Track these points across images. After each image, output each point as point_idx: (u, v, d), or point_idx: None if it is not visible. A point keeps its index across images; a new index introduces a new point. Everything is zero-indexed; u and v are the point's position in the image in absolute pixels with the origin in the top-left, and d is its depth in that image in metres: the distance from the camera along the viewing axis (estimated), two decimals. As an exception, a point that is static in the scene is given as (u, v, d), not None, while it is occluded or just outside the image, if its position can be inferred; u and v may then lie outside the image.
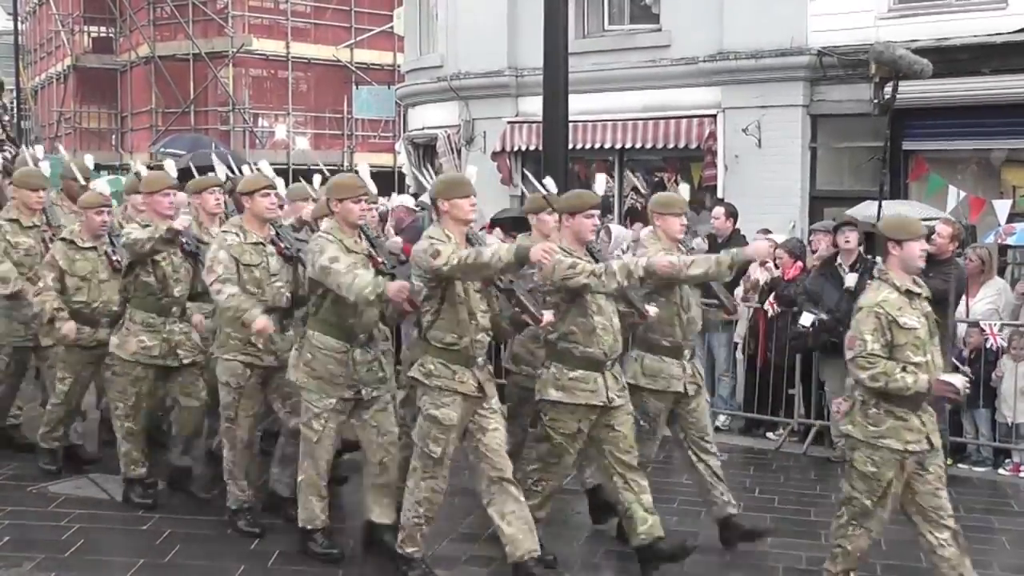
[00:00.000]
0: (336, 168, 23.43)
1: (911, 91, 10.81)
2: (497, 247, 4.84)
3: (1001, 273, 9.23)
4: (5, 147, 13.37)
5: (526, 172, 6.42)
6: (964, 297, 7.93)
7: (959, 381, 4.83)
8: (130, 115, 33.24)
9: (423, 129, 17.62)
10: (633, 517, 5.35)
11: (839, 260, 8.03)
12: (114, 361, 6.21)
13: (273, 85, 31.75)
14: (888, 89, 9.17)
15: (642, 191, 14.61)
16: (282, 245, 5.74)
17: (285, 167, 21.37)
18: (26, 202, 6.97)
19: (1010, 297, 8.31)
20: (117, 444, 6.34)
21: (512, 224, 9.12)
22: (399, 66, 25.20)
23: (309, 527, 5.47)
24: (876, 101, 11.12)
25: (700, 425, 5.89)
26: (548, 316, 5.10)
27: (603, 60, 14.16)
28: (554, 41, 8.70)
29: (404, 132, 19.84)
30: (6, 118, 15.65)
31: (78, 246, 6.49)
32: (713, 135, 13.42)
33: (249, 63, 31.25)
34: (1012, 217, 10.03)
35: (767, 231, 9.13)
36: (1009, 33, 11.15)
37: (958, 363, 7.76)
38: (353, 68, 31.22)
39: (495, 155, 15.30)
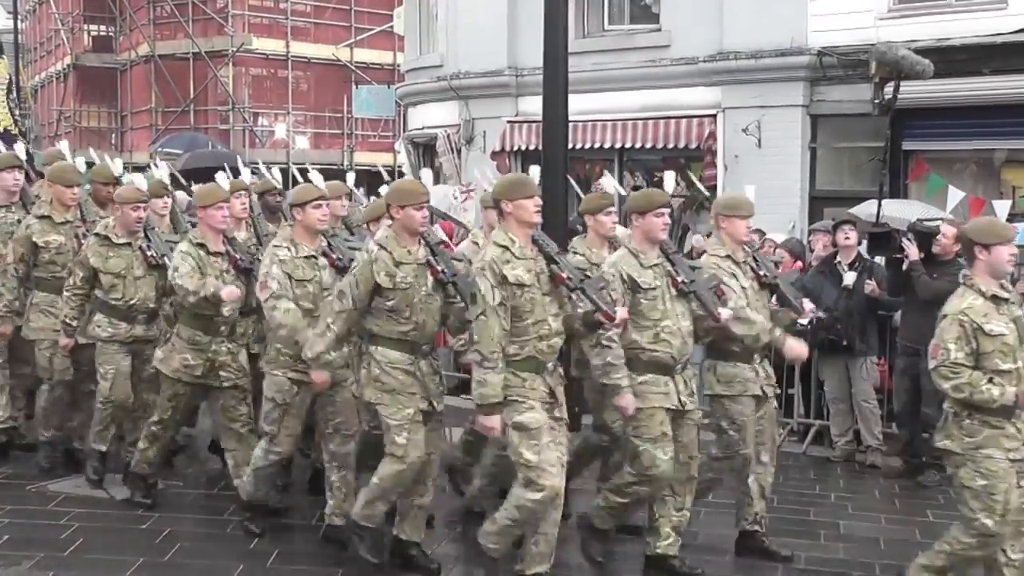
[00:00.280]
0: (336, 167, 23.46)
1: (911, 91, 10.83)
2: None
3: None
4: (18, 143, 13.35)
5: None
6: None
7: None
8: (130, 114, 33.26)
9: (423, 128, 17.62)
10: (658, 530, 5.33)
11: (838, 258, 8.04)
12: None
13: (273, 84, 31.77)
14: (889, 89, 9.18)
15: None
16: (334, 257, 5.58)
17: (285, 166, 21.34)
18: (60, 198, 6.72)
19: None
20: (139, 441, 6.23)
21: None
22: (399, 65, 25.20)
23: (363, 523, 5.23)
24: (877, 101, 11.16)
25: (766, 434, 5.72)
26: (622, 312, 4.90)
27: (603, 60, 14.16)
28: (554, 41, 8.66)
29: (404, 131, 19.84)
30: (17, 113, 15.60)
31: (112, 242, 6.32)
32: (713, 135, 13.43)
33: (249, 62, 31.27)
34: (1012, 217, 10.01)
35: (761, 232, 9.13)
36: (1009, 33, 11.15)
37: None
38: (353, 67, 31.23)
39: (495, 155, 15.30)
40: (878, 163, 10.17)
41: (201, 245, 5.87)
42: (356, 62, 31.35)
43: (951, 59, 11.23)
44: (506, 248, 4.78)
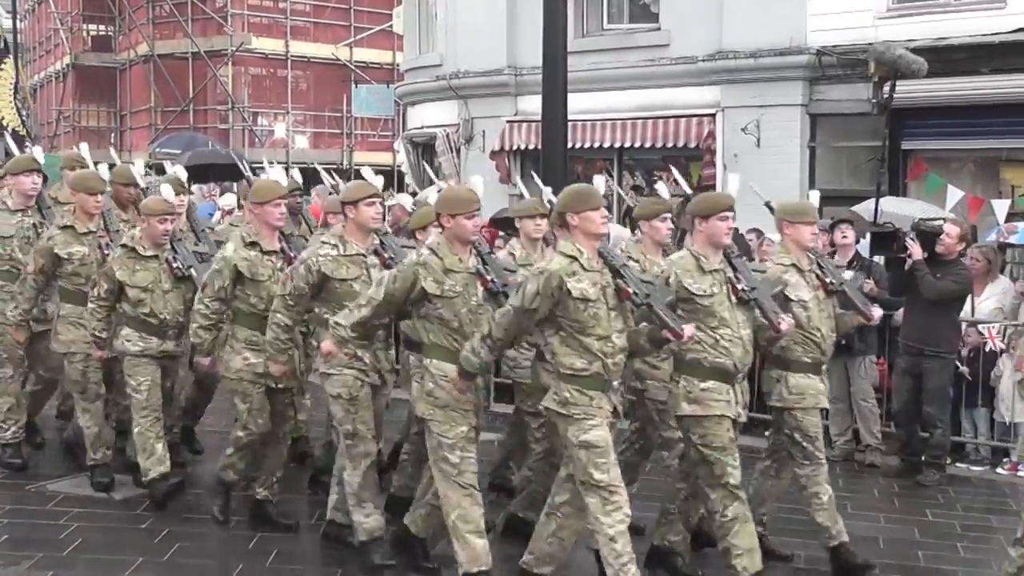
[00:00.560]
0: (335, 167, 23.43)
1: (910, 91, 10.84)
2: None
3: (1000, 272, 9.24)
4: (25, 144, 13.31)
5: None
6: (970, 296, 7.94)
7: None
8: (129, 113, 33.27)
9: (422, 128, 17.63)
10: (673, 524, 5.32)
11: (836, 257, 8.04)
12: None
13: (272, 84, 31.78)
14: (887, 89, 9.18)
15: (646, 190, 14.63)
16: (386, 255, 5.41)
17: (284, 166, 21.42)
18: (84, 206, 6.46)
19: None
20: (228, 449, 5.97)
21: (510, 224, 9.10)
22: (398, 65, 25.22)
23: (474, 570, 4.88)
24: (875, 101, 11.17)
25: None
26: (689, 330, 4.68)
27: (602, 59, 14.17)
28: (553, 40, 8.70)
29: (403, 131, 19.85)
30: (24, 113, 15.55)
31: (139, 254, 6.08)
32: (712, 134, 13.43)
33: (248, 62, 31.27)
34: (1011, 216, 10.03)
35: (759, 231, 9.14)
36: (1007, 33, 11.16)
37: (958, 363, 7.77)
38: (352, 67, 31.22)
39: (494, 154, 15.32)
40: (877, 162, 10.18)
41: (254, 244, 5.69)
42: (355, 61, 31.35)
43: (949, 58, 11.24)
44: (573, 259, 4.63)
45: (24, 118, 15.17)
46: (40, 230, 6.70)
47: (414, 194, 12.51)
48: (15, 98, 15.09)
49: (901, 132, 11.85)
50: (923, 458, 7.48)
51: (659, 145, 13.86)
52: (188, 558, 5.52)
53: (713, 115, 13.51)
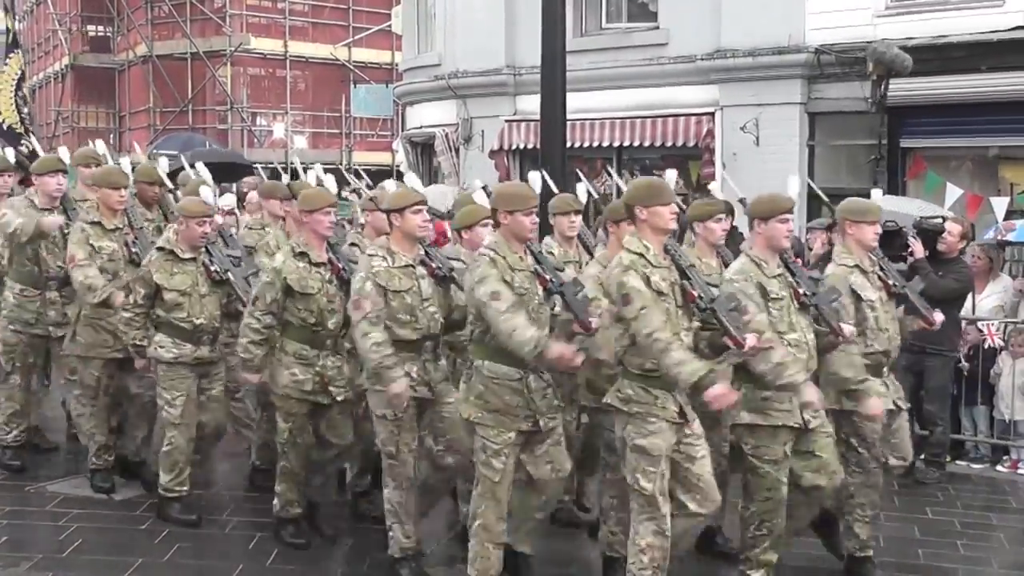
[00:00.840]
0: (334, 167, 23.40)
1: (909, 89, 10.85)
2: (683, 360, 4.33)
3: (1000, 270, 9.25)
4: (24, 141, 13.23)
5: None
6: (971, 294, 7.94)
7: None
8: (128, 114, 33.26)
9: (421, 128, 17.63)
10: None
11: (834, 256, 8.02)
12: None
13: (271, 84, 31.77)
14: (883, 87, 9.18)
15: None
16: (433, 265, 5.19)
17: (283, 166, 21.38)
18: (107, 202, 6.28)
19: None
20: (275, 484, 5.77)
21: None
22: (397, 64, 25.21)
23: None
24: (873, 99, 11.18)
25: (902, 447, 5.50)
26: (752, 340, 4.53)
27: (601, 58, 14.18)
28: (552, 39, 8.69)
29: (402, 131, 19.84)
30: (25, 110, 15.49)
31: (178, 257, 5.87)
32: (711, 133, 13.44)
33: (247, 62, 31.26)
34: (1010, 214, 10.04)
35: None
36: (1005, 31, 11.16)
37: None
38: (351, 67, 31.22)
39: (493, 153, 15.32)
40: (878, 162, 10.20)
41: (303, 254, 5.46)
42: (354, 61, 31.34)
43: (948, 56, 11.25)
44: (641, 255, 4.52)
45: (24, 115, 15.10)
46: (66, 232, 6.48)
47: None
48: (16, 95, 15.02)
49: (900, 130, 11.85)
50: (923, 456, 7.48)
51: (658, 144, 13.86)
52: (188, 559, 5.52)
53: (712, 114, 13.51)
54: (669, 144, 13.77)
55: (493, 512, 4.81)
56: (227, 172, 15.05)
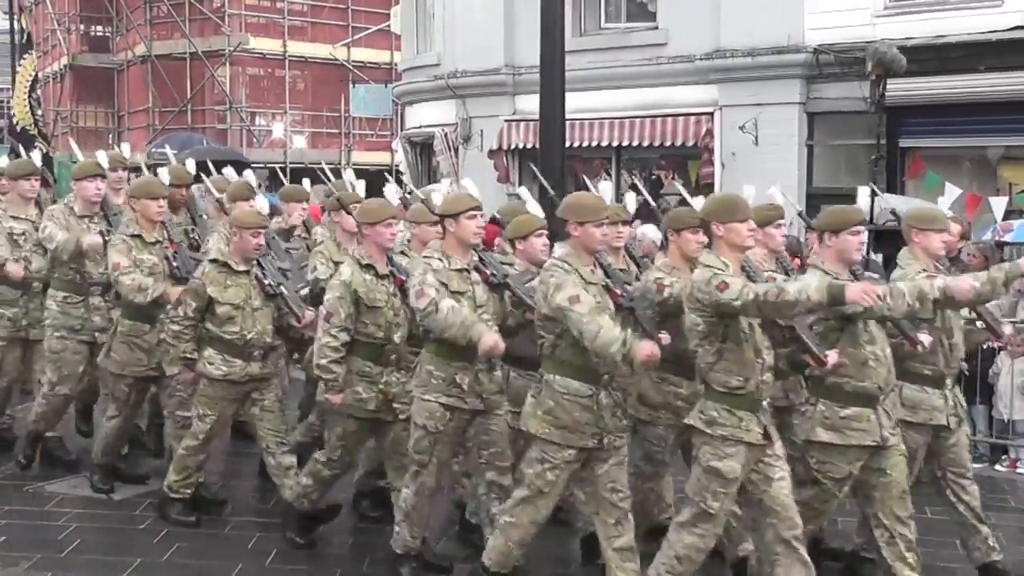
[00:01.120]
0: (334, 167, 23.40)
1: (907, 89, 10.86)
2: (804, 283, 4.21)
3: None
4: (38, 143, 13.19)
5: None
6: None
7: None
8: (127, 114, 33.21)
9: (420, 127, 17.63)
10: None
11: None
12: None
13: (270, 84, 31.73)
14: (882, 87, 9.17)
15: (640, 190, 14.65)
16: (488, 272, 5.09)
17: (282, 166, 21.40)
18: (146, 213, 6.09)
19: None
20: (302, 476, 5.66)
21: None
22: (396, 64, 25.21)
23: (495, 569, 4.87)
24: (872, 99, 11.19)
25: (960, 461, 5.33)
26: (833, 357, 4.47)
27: (600, 58, 14.19)
28: (551, 39, 8.70)
29: (401, 130, 19.84)
30: (39, 111, 15.42)
31: (232, 269, 5.70)
32: (710, 133, 13.45)
33: (246, 62, 31.23)
34: (1008, 214, 10.05)
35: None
36: (1004, 31, 11.17)
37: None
38: (350, 66, 31.18)
39: (492, 153, 15.32)
40: (879, 161, 10.21)
41: (369, 267, 5.30)
42: (353, 61, 31.30)
43: (947, 56, 11.27)
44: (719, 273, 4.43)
45: (38, 116, 15.04)
46: (107, 238, 6.35)
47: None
48: (30, 96, 14.94)
49: (899, 130, 11.87)
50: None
51: (657, 144, 13.87)
52: (187, 559, 5.52)
53: (711, 114, 13.52)
54: (668, 144, 13.79)
55: (529, 517, 4.77)
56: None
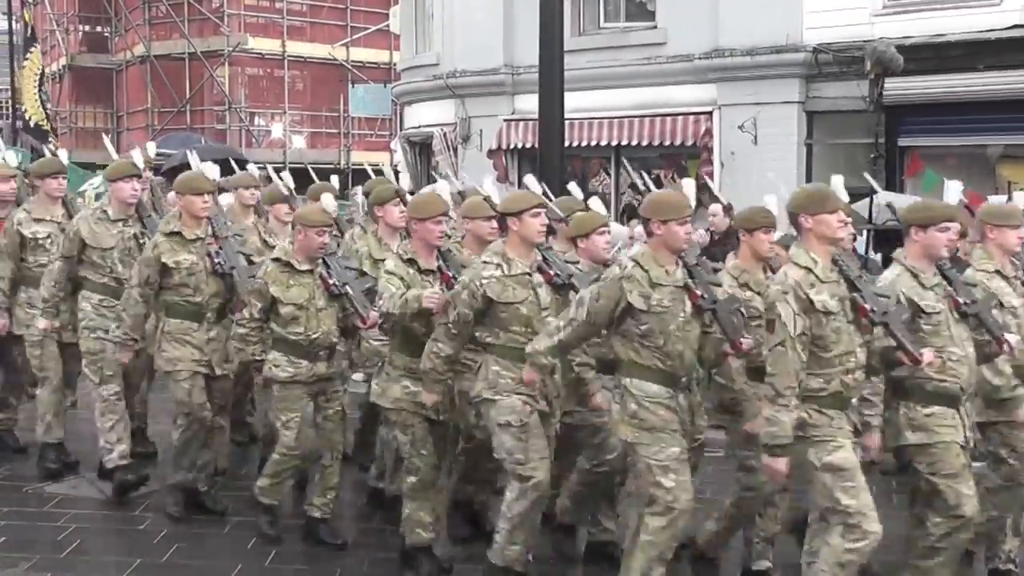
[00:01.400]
0: (333, 167, 23.40)
1: (906, 87, 10.86)
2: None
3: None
4: (50, 139, 13.10)
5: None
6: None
7: None
8: (126, 114, 33.22)
9: (419, 127, 17.64)
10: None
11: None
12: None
13: (269, 84, 31.75)
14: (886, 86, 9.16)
15: (640, 188, 14.66)
16: (551, 272, 4.95)
17: (281, 166, 21.44)
18: (190, 209, 5.92)
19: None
20: (403, 507, 5.39)
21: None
22: (395, 64, 25.21)
23: None
24: (871, 98, 11.20)
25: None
26: (928, 355, 4.35)
27: (599, 58, 14.20)
28: (550, 39, 8.71)
29: (400, 130, 19.85)
30: (49, 106, 15.32)
31: (295, 269, 5.53)
32: (709, 132, 13.46)
33: (245, 62, 31.26)
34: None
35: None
36: (1003, 29, 11.18)
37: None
38: (349, 66, 31.20)
39: (491, 153, 15.34)
40: (878, 160, 10.22)
41: (412, 262, 5.19)
42: (352, 61, 31.33)
43: (946, 55, 11.28)
44: (809, 270, 4.32)
45: (48, 112, 14.94)
46: (142, 240, 6.24)
47: (411, 192, 12.46)
48: (39, 91, 14.86)
49: (898, 129, 11.89)
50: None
51: (656, 143, 13.89)
52: (187, 559, 5.52)
53: (710, 113, 13.54)
54: (667, 143, 13.80)
55: (666, 533, 4.53)
56: (227, 171, 15.03)
